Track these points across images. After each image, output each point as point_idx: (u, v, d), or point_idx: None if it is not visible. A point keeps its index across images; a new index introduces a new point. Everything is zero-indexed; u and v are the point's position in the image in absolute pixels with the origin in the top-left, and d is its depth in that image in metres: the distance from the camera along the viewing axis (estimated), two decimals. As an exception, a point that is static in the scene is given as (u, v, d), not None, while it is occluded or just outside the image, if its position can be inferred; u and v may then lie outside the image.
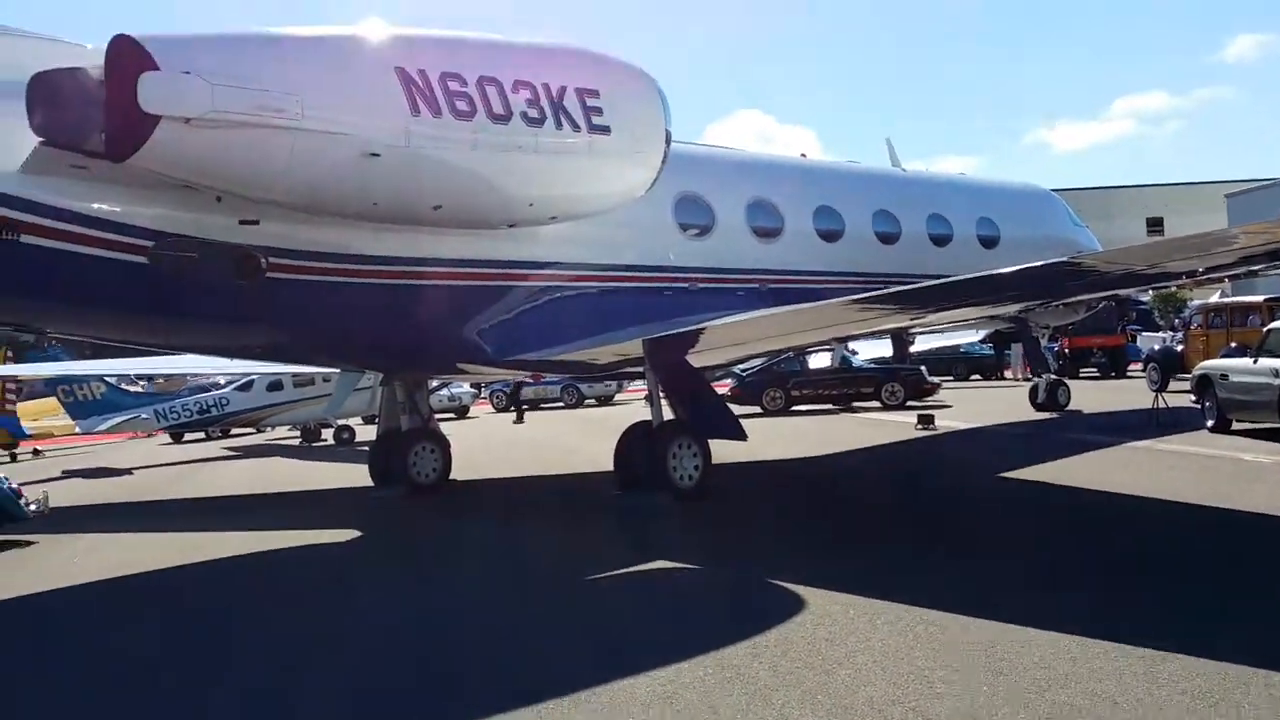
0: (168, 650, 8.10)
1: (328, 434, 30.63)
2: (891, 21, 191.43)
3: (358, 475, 18.70)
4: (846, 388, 32.39)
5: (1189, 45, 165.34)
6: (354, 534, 13.46)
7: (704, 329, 13.48)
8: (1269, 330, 18.16)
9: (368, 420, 29.27)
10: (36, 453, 32.66)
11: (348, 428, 30.11)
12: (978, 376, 45.39)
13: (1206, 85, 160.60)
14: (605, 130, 12.27)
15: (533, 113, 11.70)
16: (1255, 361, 17.00)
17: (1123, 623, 6.93)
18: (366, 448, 20.38)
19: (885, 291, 13.98)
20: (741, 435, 14.00)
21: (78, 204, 10.84)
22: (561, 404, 43.15)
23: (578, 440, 25.73)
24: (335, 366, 19.77)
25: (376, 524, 14.39)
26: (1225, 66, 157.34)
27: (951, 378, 42.76)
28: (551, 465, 20.45)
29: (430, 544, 12.78)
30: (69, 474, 25.02)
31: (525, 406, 37.77)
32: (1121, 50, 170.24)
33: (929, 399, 30.84)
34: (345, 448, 28.14)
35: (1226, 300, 35.53)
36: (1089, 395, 28.83)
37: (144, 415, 30.12)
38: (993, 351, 45.39)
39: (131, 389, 33.06)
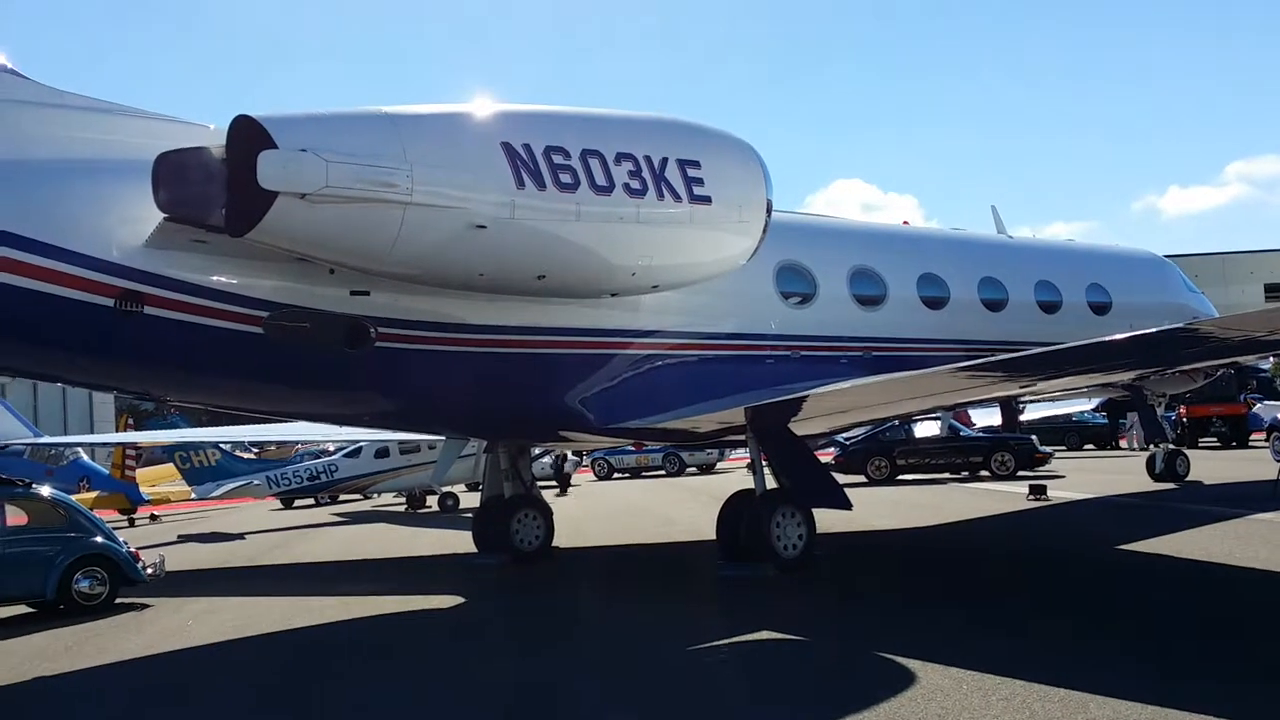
0: (272, 711, 8.21)
1: (432, 501, 30.93)
2: (995, 88, 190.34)
3: (462, 542, 18.85)
4: (954, 457, 31.74)
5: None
6: (458, 600, 13.53)
7: (807, 396, 13.36)
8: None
9: (472, 487, 29.53)
10: (154, 518, 33.54)
11: (452, 494, 30.33)
12: (1091, 446, 44.18)
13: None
14: (706, 200, 12.36)
15: (635, 184, 11.85)
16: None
17: (1252, 700, 6.62)
18: (470, 515, 20.54)
19: (991, 359, 13.73)
20: (846, 504, 13.78)
21: (198, 276, 11.21)
22: (663, 472, 43.05)
23: (679, 509, 25.61)
24: (440, 434, 20.02)
25: (480, 591, 14.45)
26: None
27: (1064, 447, 41.69)
28: (653, 534, 20.37)
29: (534, 613, 12.79)
30: (184, 538, 25.68)
31: (568, 479, 36.99)
32: (1233, 114, 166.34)
33: (1040, 469, 30.05)
34: (449, 514, 28.40)
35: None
36: (1209, 465, 27.86)
37: (256, 481, 30.79)
38: (1106, 420, 44.18)
39: (245, 455, 33.80)
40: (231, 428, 28.63)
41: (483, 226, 11.01)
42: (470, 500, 27.06)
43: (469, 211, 10.96)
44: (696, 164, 12.33)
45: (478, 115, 11.52)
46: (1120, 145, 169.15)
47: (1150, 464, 24.82)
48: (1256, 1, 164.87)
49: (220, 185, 10.64)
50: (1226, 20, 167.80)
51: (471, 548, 17.66)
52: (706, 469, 43.42)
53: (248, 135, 10.31)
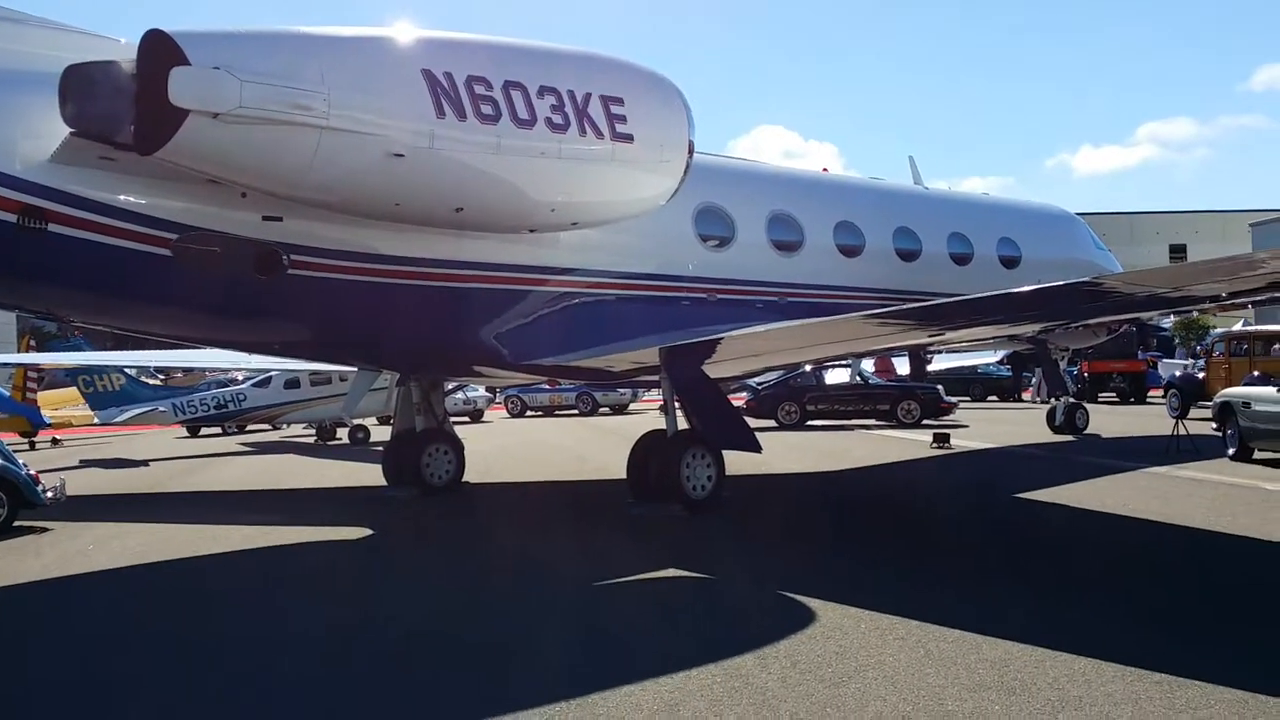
0: (171, 638, 8.14)
1: (343, 433, 30.71)
2: (917, 41, 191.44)
3: (371, 475, 18.76)
4: (862, 404, 32.28)
5: (1215, 74, 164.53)
6: (365, 532, 13.50)
7: (721, 339, 13.47)
8: (1294, 359, 18.06)
9: (383, 420, 29.33)
10: (55, 442, 32.78)
11: (363, 427, 30.19)
12: (995, 398, 45.21)
13: (1233, 114, 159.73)
14: (629, 138, 12.30)
15: (557, 118, 11.74)
16: (1279, 390, 16.90)
17: (1138, 648, 6.89)
18: (381, 448, 20.43)
19: (902, 307, 13.95)
20: (756, 447, 13.98)
21: (105, 195, 10.91)
22: (576, 411, 43.19)
23: (591, 448, 25.75)
24: (353, 365, 19.84)
25: (388, 523, 14.42)
26: (1252, 95, 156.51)
27: (968, 398, 42.62)
28: (565, 472, 20.47)
29: (439, 545, 12.81)
30: (86, 463, 25.16)
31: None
32: (1147, 77, 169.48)
33: (945, 418, 30.73)
34: (360, 447, 28.24)
35: (1250, 328, 35.38)
36: (1108, 420, 28.71)
37: (162, 408, 30.24)
38: (1010, 373, 45.22)
39: (151, 382, 33.08)
40: (137, 352, 28.01)
41: (400, 155, 10.84)
42: (381, 434, 26.88)
43: (387, 139, 10.77)
44: (620, 101, 12.24)
45: (399, 41, 11.28)
46: (1037, 102, 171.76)
47: (1050, 416, 25.49)
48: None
49: (130, 101, 10.28)
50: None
51: (381, 481, 17.59)
52: (620, 409, 43.66)
53: (160, 51, 9.97)
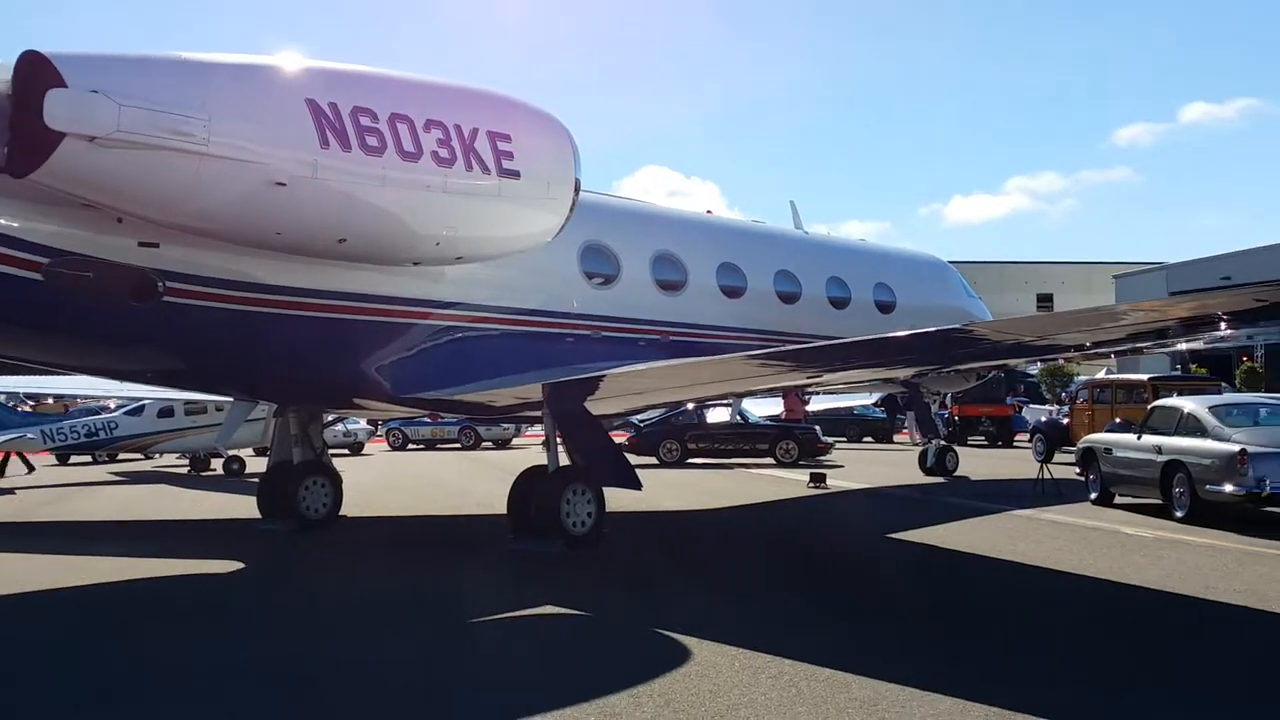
0: (22, 675, 7.88)
1: (217, 464, 29.97)
2: (797, 83, 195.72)
3: (246, 507, 18.35)
4: (742, 443, 32.67)
5: (1080, 130, 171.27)
6: (237, 565, 13.21)
7: (604, 375, 13.56)
8: (1153, 408, 18.80)
9: (259, 452, 28.71)
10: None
11: (238, 458, 29.48)
12: (870, 439, 46.14)
13: (1098, 168, 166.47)
14: (515, 175, 12.39)
15: (443, 152, 11.76)
16: (1139, 438, 17.53)
17: (1000, 687, 7.13)
18: (256, 480, 20.02)
19: (783, 349, 14.26)
20: (636, 484, 14.07)
21: (-27, 216, 10.60)
22: (459, 445, 42.84)
23: (473, 482, 25.57)
24: (229, 395, 19.42)
25: (260, 557, 14.13)
26: (1118, 150, 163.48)
27: (845, 439, 43.43)
28: (445, 506, 20.28)
29: (313, 580, 12.59)
30: (-58, 493, 24.09)
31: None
32: (1016, 132, 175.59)
33: (822, 458, 31.30)
34: (235, 479, 27.57)
35: (1112, 376, 36.82)
36: (976, 462, 29.52)
37: (30, 435, 29.07)
38: (885, 415, 46.23)
39: (20, 408, 31.89)
40: (6, 378, 27.01)
41: (283, 184, 10.75)
42: (257, 465, 26.31)
43: (269, 167, 10.67)
44: (507, 137, 12.33)
45: (284, 69, 11.21)
46: (912, 151, 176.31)
47: (922, 458, 26.10)
48: (1042, 32, 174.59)
49: (4, 123, 10.00)
50: (1016, 48, 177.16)
51: (256, 514, 17.22)
52: (503, 444, 43.42)
53: (36, 72, 9.75)
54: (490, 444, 43.13)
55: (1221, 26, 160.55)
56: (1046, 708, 6.59)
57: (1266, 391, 36.83)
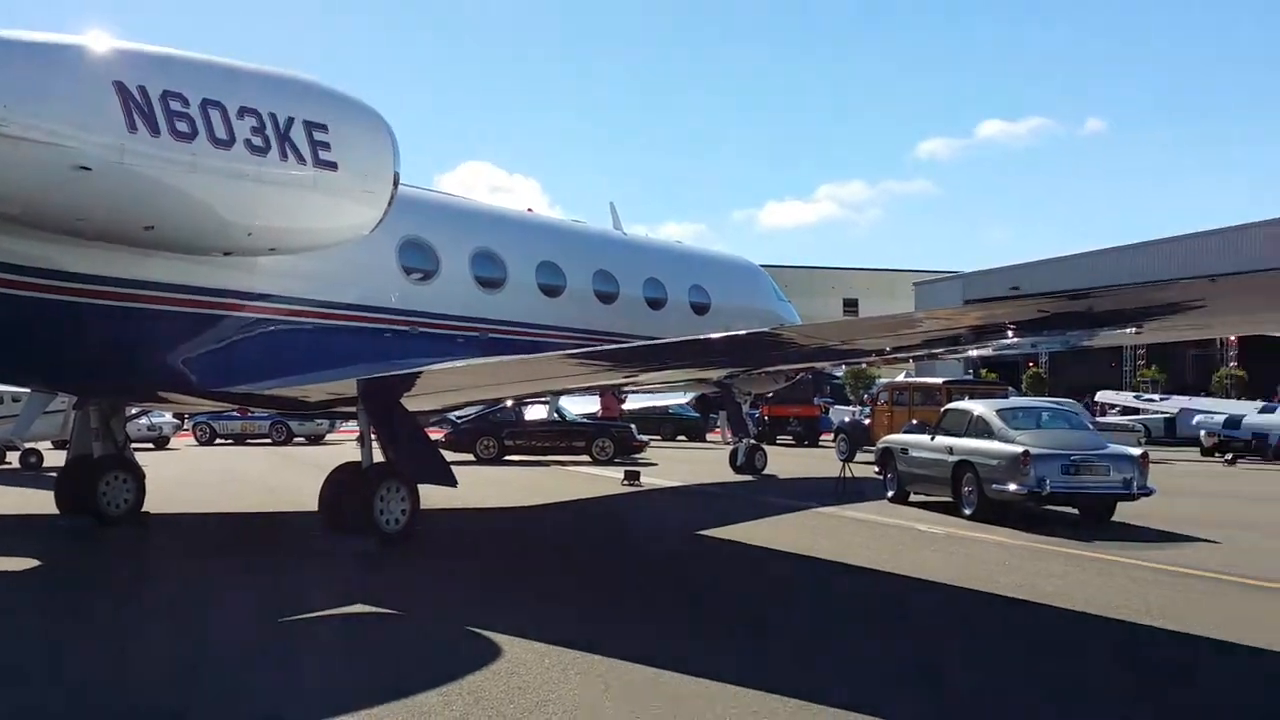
0: None
1: (13, 457, 28.75)
2: (618, 81, 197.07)
3: (43, 502, 17.47)
4: (559, 440, 32.90)
5: (885, 142, 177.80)
6: (33, 563, 12.62)
7: (421, 372, 13.49)
8: (946, 410, 19.80)
9: (58, 445, 27.43)
10: None
11: (35, 451, 28.27)
12: (683, 437, 47.01)
13: (899, 179, 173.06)
14: (332, 166, 12.20)
15: (257, 140, 11.50)
16: (933, 439, 18.43)
17: (801, 679, 7.44)
18: (54, 474, 19.07)
19: (600, 349, 14.45)
20: (452, 481, 14.04)
21: None
22: (269, 440, 41.67)
23: (283, 478, 24.96)
24: (25, 385, 18.44)
25: (58, 554, 13.51)
26: (919, 163, 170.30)
27: (659, 437, 44.11)
28: (253, 503, 19.76)
29: (108, 579, 12.15)
30: None
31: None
32: (826, 141, 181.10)
33: (637, 456, 31.74)
34: (32, 472, 26.41)
35: (910, 380, 38.49)
36: (784, 461, 30.43)
37: None
38: (698, 414, 47.14)
39: None
40: None
41: (87, 168, 10.34)
42: (56, 459, 25.05)
43: (72, 150, 10.25)
44: (324, 128, 12.14)
45: (91, 50, 10.77)
46: (727, 156, 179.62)
47: (733, 457, 26.72)
48: (855, 41, 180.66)
49: None
50: (830, 55, 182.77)
51: (54, 509, 16.40)
52: (316, 439, 42.47)
53: None
54: (303, 439, 42.15)
55: (1019, 48, 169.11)
56: (843, 697, 6.93)
57: (1050, 396, 39.22)
